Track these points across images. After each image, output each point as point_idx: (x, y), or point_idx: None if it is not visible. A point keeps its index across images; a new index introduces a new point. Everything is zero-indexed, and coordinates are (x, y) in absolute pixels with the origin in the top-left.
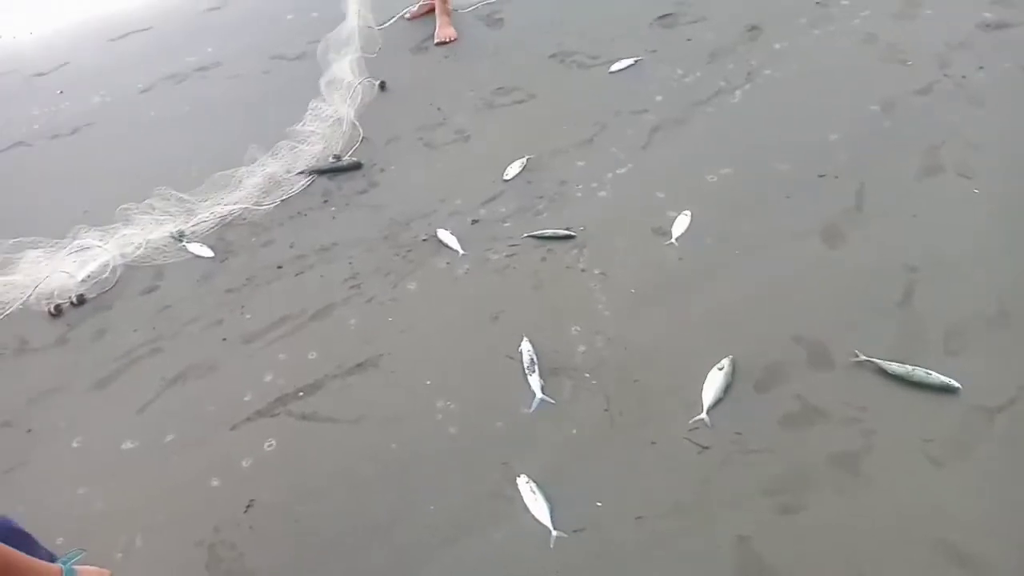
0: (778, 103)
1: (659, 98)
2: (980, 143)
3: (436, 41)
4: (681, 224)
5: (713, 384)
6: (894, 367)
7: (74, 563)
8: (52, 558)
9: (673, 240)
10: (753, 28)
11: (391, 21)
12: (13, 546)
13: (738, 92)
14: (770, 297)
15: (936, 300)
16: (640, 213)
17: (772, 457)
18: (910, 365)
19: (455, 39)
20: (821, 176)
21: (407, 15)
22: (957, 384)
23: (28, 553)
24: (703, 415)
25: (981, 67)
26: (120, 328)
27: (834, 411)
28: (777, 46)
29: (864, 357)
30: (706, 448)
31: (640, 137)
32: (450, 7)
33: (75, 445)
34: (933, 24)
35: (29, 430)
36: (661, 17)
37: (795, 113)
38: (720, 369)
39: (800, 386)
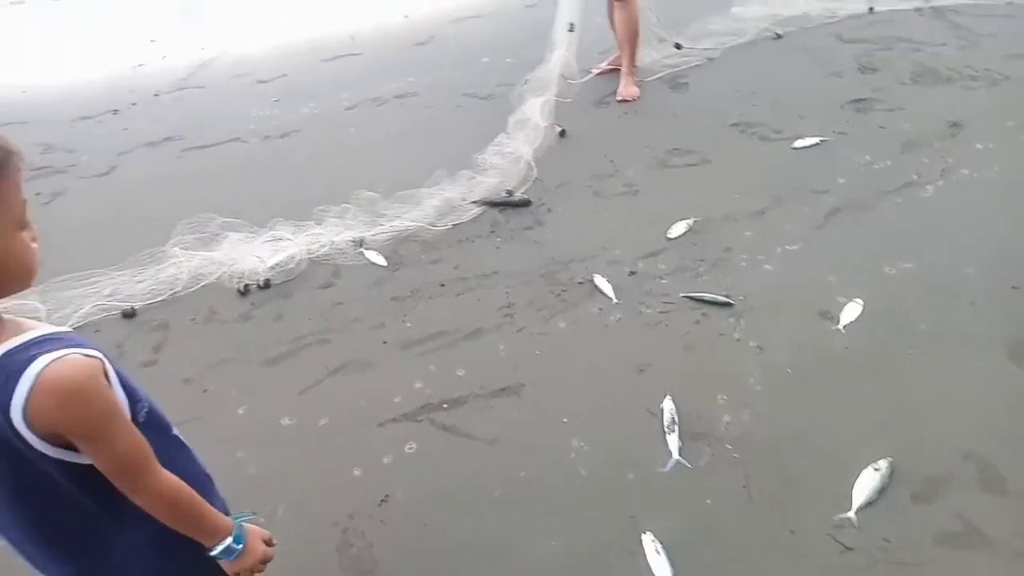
0: (973, 205)
1: (842, 180)
2: None
3: (619, 98)
4: (851, 312)
5: (867, 483)
6: None
7: (244, 521)
8: (224, 508)
9: (840, 327)
10: (954, 124)
11: (585, 79)
12: (198, 489)
13: (930, 187)
14: (942, 405)
15: None
16: (807, 293)
17: (922, 573)
18: None
19: (637, 98)
20: (1015, 288)
21: (594, 71)
22: None
23: (206, 496)
24: (851, 513)
25: None
26: (296, 315)
27: (1000, 541)
28: (979, 146)
29: None
30: (850, 549)
31: (816, 217)
32: (636, 67)
33: (240, 412)
34: None
35: (205, 390)
36: (855, 101)
37: (991, 217)
38: (876, 469)
39: (965, 506)
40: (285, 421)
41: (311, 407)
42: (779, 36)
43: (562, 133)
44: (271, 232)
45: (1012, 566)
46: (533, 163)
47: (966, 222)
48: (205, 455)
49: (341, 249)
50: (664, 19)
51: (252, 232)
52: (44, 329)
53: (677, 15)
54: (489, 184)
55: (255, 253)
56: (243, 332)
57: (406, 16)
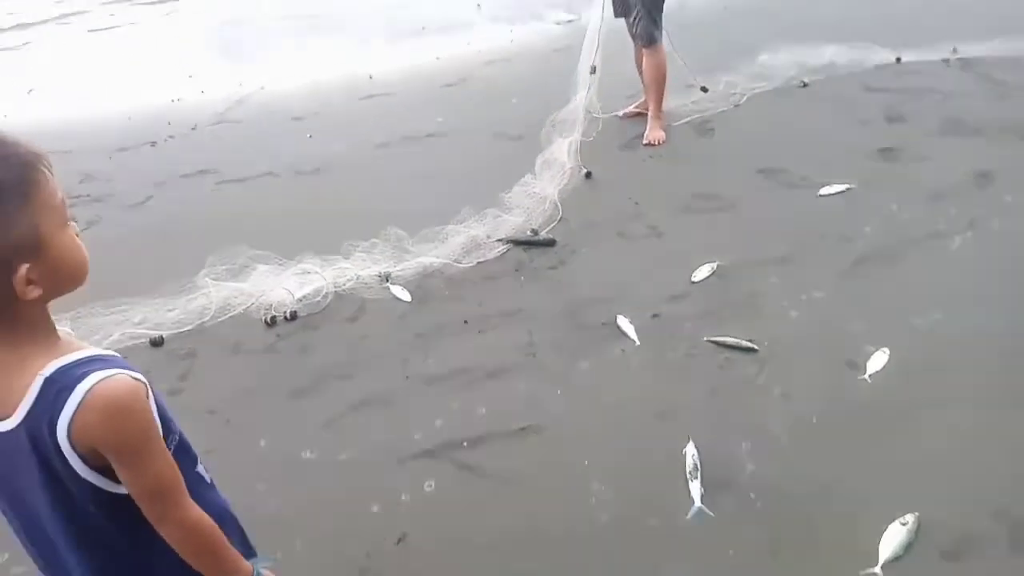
0: (1003, 257)
1: (868, 229)
2: None
3: (645, 142)
4: (878, 361)
5: (894, 538)
6: None
7: (264, 567)
8: (247, 548)
9: (867, 376)
10: (983, 175)
11: (609, 115)
12: (225, 529)
13: (958, 238)
14: (973, 462)
15: None
16: (832, 341)
17: None
18: None
19: (664, 142)
20: None
21: (620, 114)
22: None
23: (229, 537)
24: (877, 569)
25: None
26: (321, 348)
27: None
28: (1009, 199)
29: None
30: None
31: (842, 264)
32: (663, 111)
33: (262, 444)
34: None
35: (228, 420)
36: (882, 150)
37: (1020, 271)
38: (903, 524)
39: (997, 566)
40: (306, 454)
41: (332, 441)
42: (805, 84)
43: (588, 175)
44: (300, 264)
45: None
46: (559, 203)
47: (996, 275)
48: (223, 485)
49: (367, 283)
50: (692, 65)
51: (281, 264)
52: (94, 350)
53: (705, 61)
54: (514, 223)
55: (284, 285)
56: (268, 363)
57: (438, 58)
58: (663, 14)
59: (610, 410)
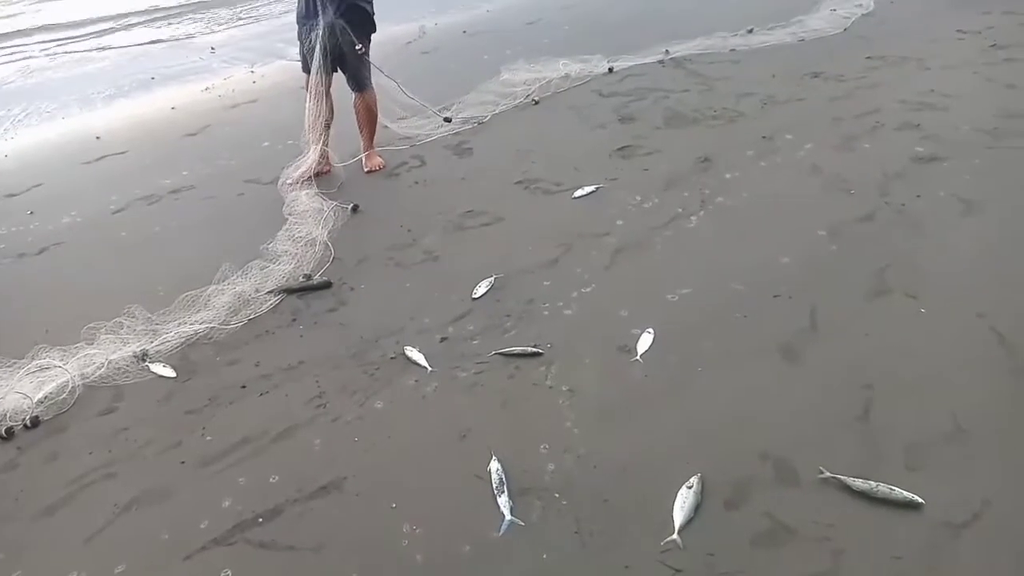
0: (731, 228)
1: (620, 222)
2: (922, 265)
3: (366, 170)
4: (645, 342)
5: (683, 503)
6: (858, 483)
7: None
8: None
9: (638, 357)
10: (705, 159)
11: (347, 162)
12: None
13: (693, 217)
14: (734, 414)
15: (893, 416)
16: (605, 331)
17: None
18: (873, 481)
19: (383, 167)
20: (776, 296)
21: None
22: (920, 499)
23: None
24: (675, 536)
25: (918, 195)
26: (74, 451)
27: (803, 529)
28: (728, 176)
29: (829, 474)
30: (679, 571)
31: (603, 258)
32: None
33: None
34: (872, 156)
35: None
36: (619, 149)
37: (748, 237)
38: (689, 487)
39: (769, 503)
40: None
41: (103, 554)
42: (536, 102)
43: (355, 209)
44: (35, 361)
45: (814, 550)
46: (329, 243)
47: (728, 245)
48: None
49: (121, 367)
50: (430, 100)
51: (10, 366)
52: None
53: (447, 91)
54: (284, 271)
55: (17, 389)
56: (10, 483)
57: (174, 108)
58: (371, 67)
59: (411, 445)
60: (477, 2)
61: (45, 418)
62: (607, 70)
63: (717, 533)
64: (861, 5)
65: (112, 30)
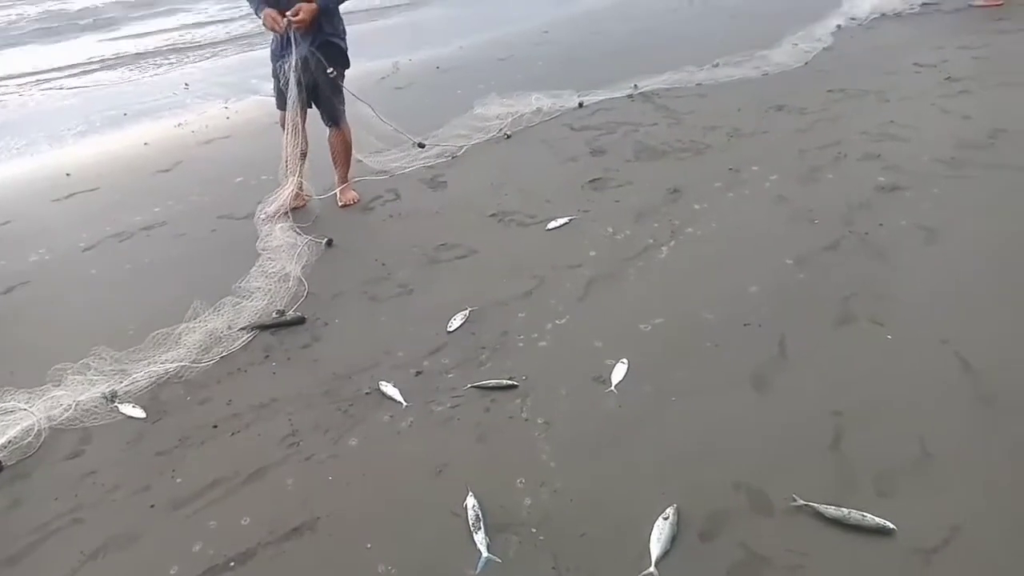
0: (701, 258)
1: (592, 253)
2: (887, 292)
3: (341, 204)
4: (619, 372)
5: (659, 535)
6: (831, 511)
7: None
8: None
9: (612, 388)
10: (674, 191)
11: (324, 195)
12: None
13: (664, 248)
14: (707, 444)
15: (863, 443)
16: (580, 362)
17: None
18: (845, 508)
19: (358, 200)
20: (746, 325)
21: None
22: (892, 525)
23: None
24: (652, 568)
25: (881, 224)
26: (38, 497)
27: (778, 558)
28: (697, 207)
29: (802, 501)
30: None
31: (577, 289)
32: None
33: None
34: (835, 187)
35: None
36: (591, 181)
37: (717, 267)
38: (666, 519)
39: (744, 533)
40: None
41: None
42: (508, 136)
43: (329, 243)
44: None
45: None
46: (303, 278)
47: (698, 275)
48: None
49: (89, 409)
50: (403, 126)
51: None
52: None
53: (421, 125)
54: (256, 307)
55: None
56: None
57: (146, 144)
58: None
59: (386, 482)
60: (450, 39)
61: (8, 463)
62: (578, 104)
63: (694, 565)
64: (820, 40)
65: (90, 70)
